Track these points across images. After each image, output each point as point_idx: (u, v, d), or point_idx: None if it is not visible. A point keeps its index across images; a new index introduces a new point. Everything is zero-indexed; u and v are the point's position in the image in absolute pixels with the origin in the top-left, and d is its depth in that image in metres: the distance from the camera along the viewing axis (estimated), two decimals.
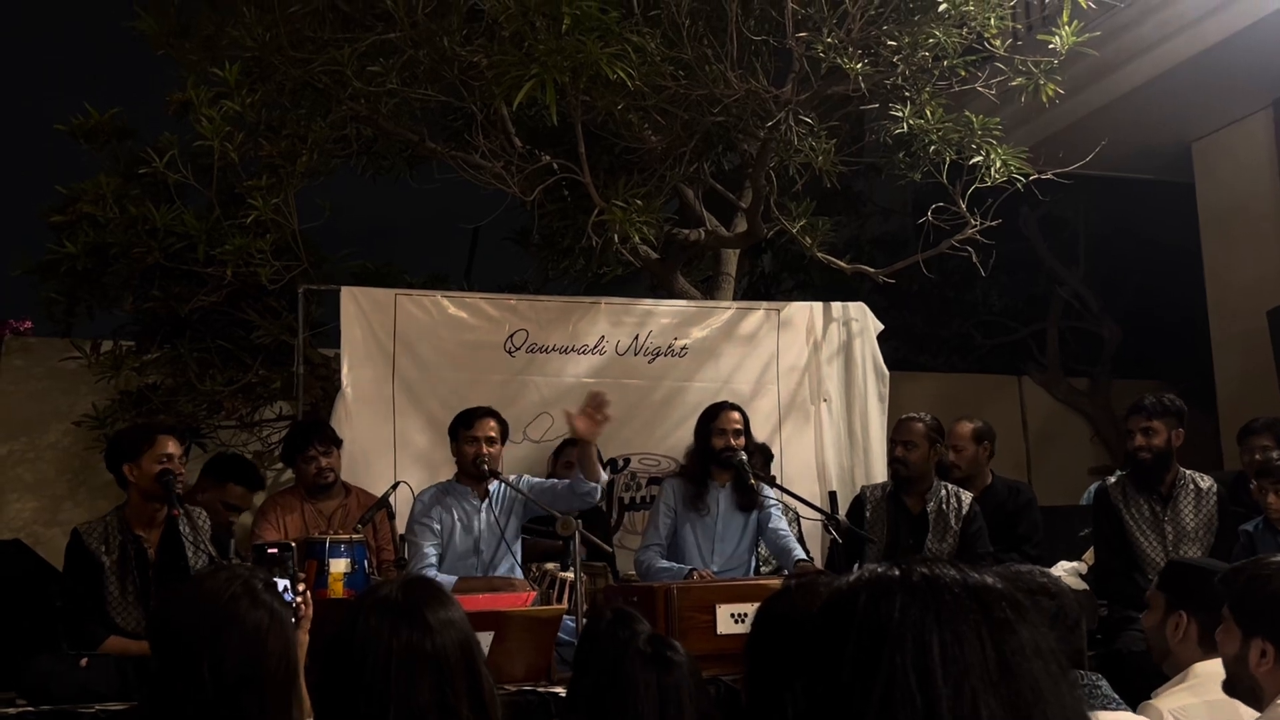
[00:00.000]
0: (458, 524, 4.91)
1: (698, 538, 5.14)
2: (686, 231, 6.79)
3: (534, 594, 4.46)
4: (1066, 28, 5.58)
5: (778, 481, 5.69)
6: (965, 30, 5.59)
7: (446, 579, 4.63)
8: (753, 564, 5.31)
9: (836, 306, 6.57)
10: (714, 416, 5.17)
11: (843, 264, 6.64)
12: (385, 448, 5.67)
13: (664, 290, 6.82)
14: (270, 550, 3.75)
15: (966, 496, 5.26)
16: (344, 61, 5.51)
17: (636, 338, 6.12)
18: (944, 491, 5.24)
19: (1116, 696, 2.64)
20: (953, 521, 5.15)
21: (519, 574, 4.85)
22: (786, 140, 5.78)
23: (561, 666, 4.03)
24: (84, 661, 3.99)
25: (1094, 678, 2.64)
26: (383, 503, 4.74)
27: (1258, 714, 2.52)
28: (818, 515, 5.21)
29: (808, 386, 6.40)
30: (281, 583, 2.48)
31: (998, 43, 5.67)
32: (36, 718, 3.72)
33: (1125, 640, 4.53)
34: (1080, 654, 2.65)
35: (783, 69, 5.72)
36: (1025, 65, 5.73)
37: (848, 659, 1.16)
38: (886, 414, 6.46)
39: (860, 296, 7.12)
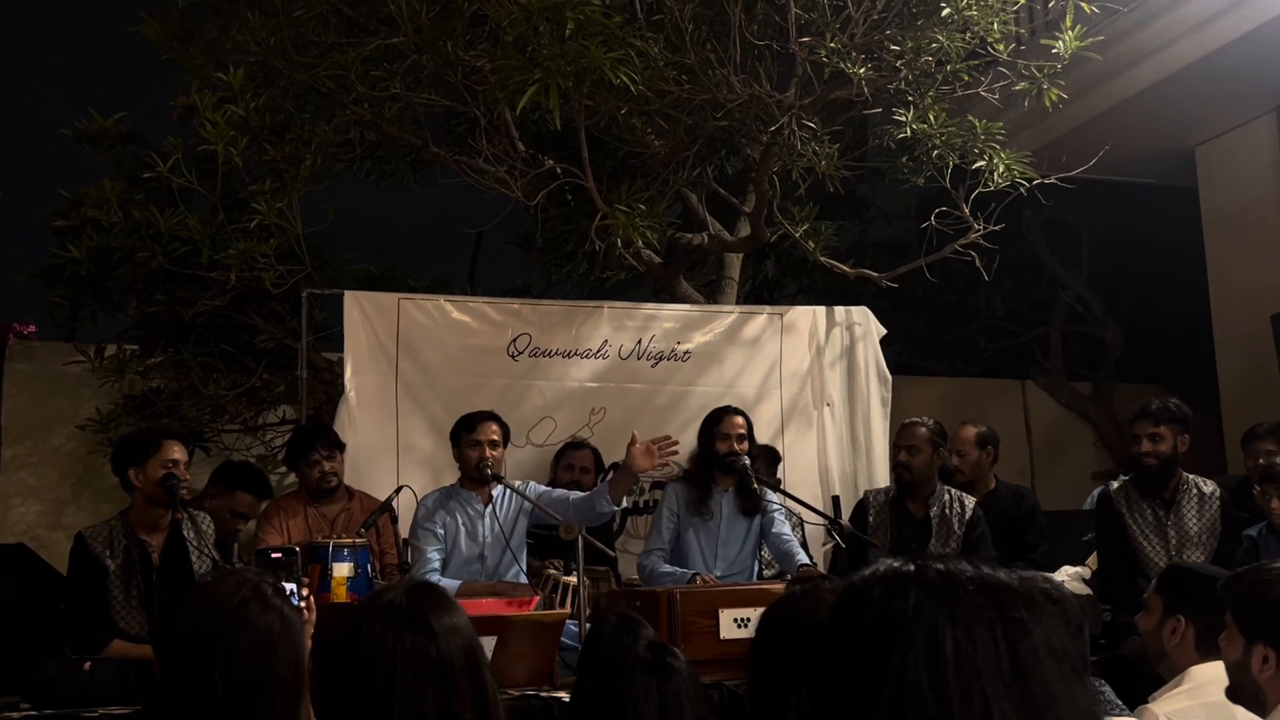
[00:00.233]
0: (461, 529, 4.91)
1: (701, 542, 5.13)
2: (689, 236, 6.79)
3: (537, 598, 4.46)
4: (1070, 32, 5.58)
5: (783, 485, 5.69)
6: (968, 35, 5.59)
7: (450, 584, 4.62)
8: (756, 569, 5.31)
9: (839, 311, 6.56)
10: (717, 421, 5.17)
11: (846, 268, 6.64)
12: (388, 452, 5.67)
13: (667, 294, 6.82)
14: (274, 555, 3.75)
15: (970, 501, 5.25)
16: (348, 66, 5.52)
17: (640, 342, 6.12)
18: (947, 496, 5.23)
19: (1119, 702, 2.65)
20: (956, 526, 5.15)
21: (523, 579, 4.85)
22: (789, 145, 5.78)
23: (564, 671, 4.03)
24: (87, 665, 3.99)
25: (1097, 683, 2.64)
26: (386, 507, 4.74)
27: (1257, 718, 2.52)
28: (821, 520, 5.20)
29: (810, 391, 6.39)
30: (287, 587, 2.49)
31: (1001, 47, 5.67)
32: None
33: (1128, 645, 4.52)
34: (1084, 659, 2.65)
35: (786, 74, 5.73)
36: (1028, 70, 5.73)
37: (859, 654, 1.15)
38: (889, 418, 6.45)
39: (863, 301, 7.12)
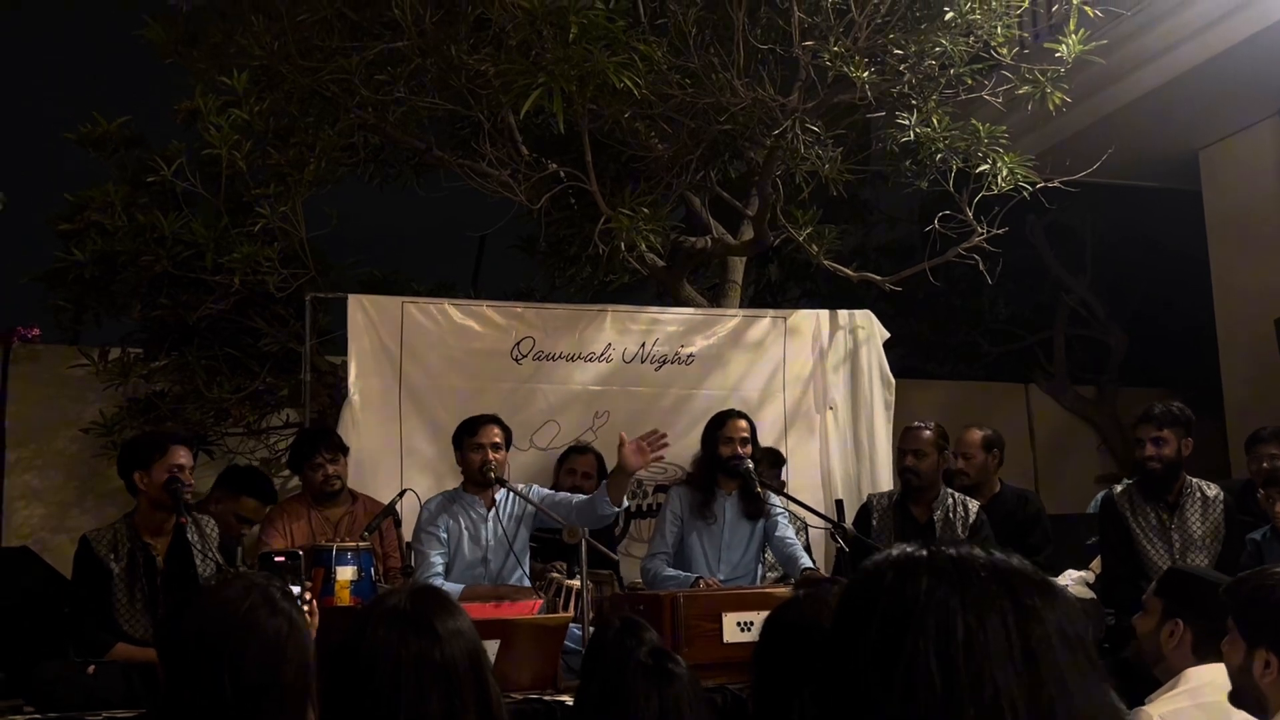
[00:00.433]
0: (465, 533, 4.91)
1: (704, 546, 5.14)
2: (693, 239, 6.80)
3: (540, 602, 4.46)
4: (1073, 36, 5.59)
5: (787, 488, 5.69)
6: (972, 39, 5.59)
7: (453, 587, 4.63)
8: (759, 572, 5.31)
9: (843, 314, 6.56)
10: (721, 424, 5.17)
11: (849, 272, 6.64)
12: (392, 455, 5.67)
13: (670, 298, 6.82)
14: (277, 558, 3.75)
15: (974, 505, 5.25)
16: (352, 70, 5.53)
17: (643, 345, 6.12)
18: (951, 500, 5.23)
19: (1123, 706, 2.64)
20: (959, 530, 5.15)
21: (526, 583, 4.85)
22: (793, 148, 5.78)
23: (568, 675, 4.02)
24: (91, 668, 4.00)
25: None
26: (389, 510, 4.74)
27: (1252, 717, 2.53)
28: (824, 524, 5.21)
29: (814, 394, 6.39)
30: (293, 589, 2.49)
31: (1004, 51, 5.67)
32: None
33: (1132, 649, 4.51)
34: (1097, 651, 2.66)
35: (789, 77, 5.73)
36: (1032, 73, 5.74)
37: (870, 640, 1.14)
38: (892, 422, 6.45)
39: (866, 304, 7.11)
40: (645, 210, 5.56)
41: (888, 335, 6.64)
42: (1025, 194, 5.83)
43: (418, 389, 5.78)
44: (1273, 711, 2.46)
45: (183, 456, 4.27)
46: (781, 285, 10.33)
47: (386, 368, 5.73)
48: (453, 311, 5.94)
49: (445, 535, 4.87)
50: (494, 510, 4.93)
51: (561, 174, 5.82)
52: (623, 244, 5.56)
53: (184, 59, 6.28)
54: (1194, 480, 5.02)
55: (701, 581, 4.79)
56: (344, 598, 4.13)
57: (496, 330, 5.95)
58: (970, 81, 5.78)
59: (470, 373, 5.88)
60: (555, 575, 4.87)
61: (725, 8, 5.41)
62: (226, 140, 5.52)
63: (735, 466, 5.05)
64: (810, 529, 5.76)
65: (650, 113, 5.67)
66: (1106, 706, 1.14)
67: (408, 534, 4.92)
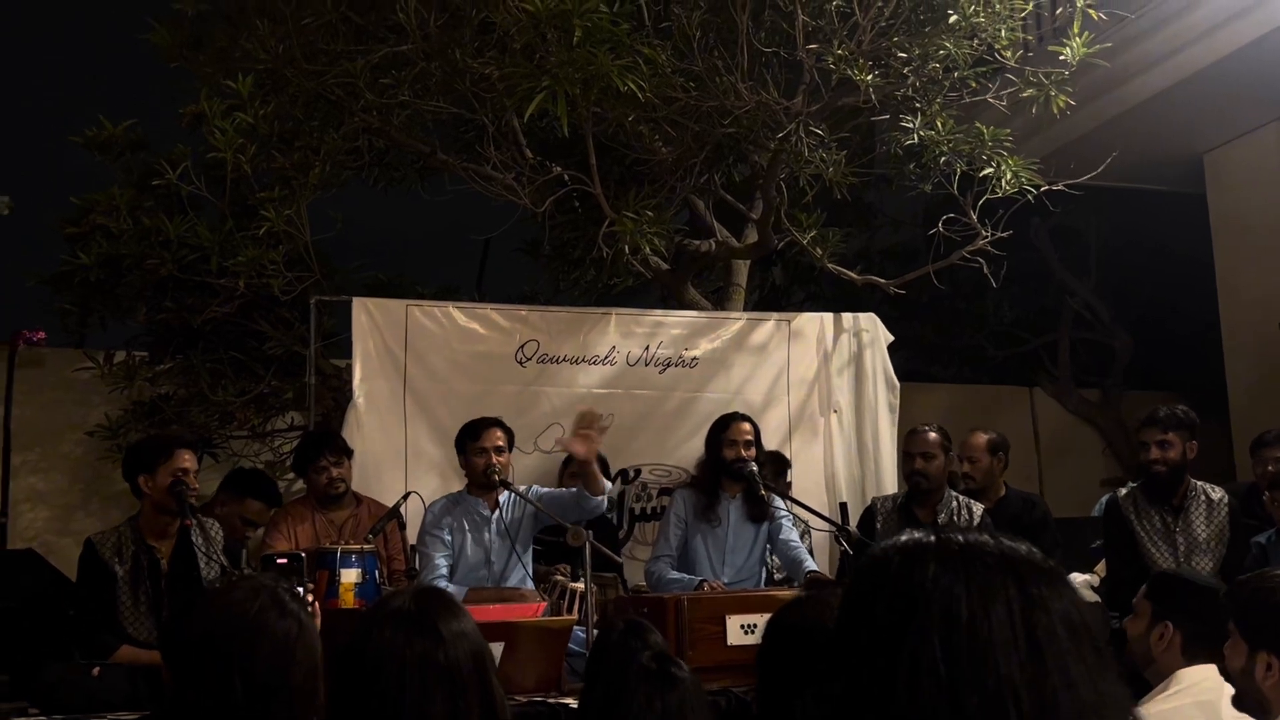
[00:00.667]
0: (469, 535, 4.91)
1: (708, 549, 5.13)
2: (697, 243, 6.80)
3: (544, 605, 4.46)
4: (1077, 39, 5.58)
5: (792, 492, 5.68)
6: (976, 42, 5.59)
7: (457, 590, 4.63)
8: (763, 575, 5.31)
9: (847, 317, 6.56)
10: (724, 427, 5.17)
11: (853, 275, 6.64)
12: (396, 458, 5.68)
13: (674, 301, 6.83)
14: (280, 560, 3.76)
15: (978, 508, 5.25)
16: (356, 74, 5.53)
17: (647, 348, 6.13)
18: (955, 503, 5.23)
19: (1131, 698, 2.66)
20: None
21: (530, 585, 4.85)
22: (797, 151, 5.78)
23: (572, 678, 4.03)
24: (96, 671, 3.99)
25: None
26: (394, 513, 4.75)
27: (1246, 715, 2.53)
28: (828, 527, 5.20)
29: (818, 397, 6.39)
30: None
31: (1008, 54, 5.67)
32: None
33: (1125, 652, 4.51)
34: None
35: (793, 81, 5.73)
36: (1036, 77, 5.73)
37: (876, 623, 1.14)
38: (897, 425, 6.45)
39: (871, 307, 7.12)
40: (649, 213, 5.56)
41: (892, 338, 6.64)
42: (1029, 197, 5.83)
43: (422, 392, 5.78)
44: (1275, 714, 2.46)
45: (187, 460, 4.27)
46: (785, 288, 10.34)
47: (391, 371, 5.74)
48: (457, 315, 5.95)
49: (449, 538, 4.88)
50: (497, 512, 4.94)
51: (566, 177, 5.83)
52: (627, 247, 5.56)
53: (189, 63, 6.30)
54: (1198, 483, 5.01)
55: (705, 584, 4.79)
56: (348, 600, 4.13)
57: (500, 333, 5.96)
58: (974, 85, 5.78)
59: (474, 376, 5.88)
60: (559, 578, 4.88)
61: (729, 11, 5.42)
62: (231, 144, 5.53)
63: (739, 469, 5.05)
64: (814, 532, 5.76)
65: (654, 116, 5.67)
66: (1112, 697, 1.12)
67: (412, 537, 4.93)
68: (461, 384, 5.85)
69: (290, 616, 2.02)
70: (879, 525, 5.30)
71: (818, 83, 5.56)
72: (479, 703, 1.96)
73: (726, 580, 5.01)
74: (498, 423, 4.97)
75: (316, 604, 3.07)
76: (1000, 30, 5.54)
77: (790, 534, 5.20)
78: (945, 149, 5.70)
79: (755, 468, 5.06)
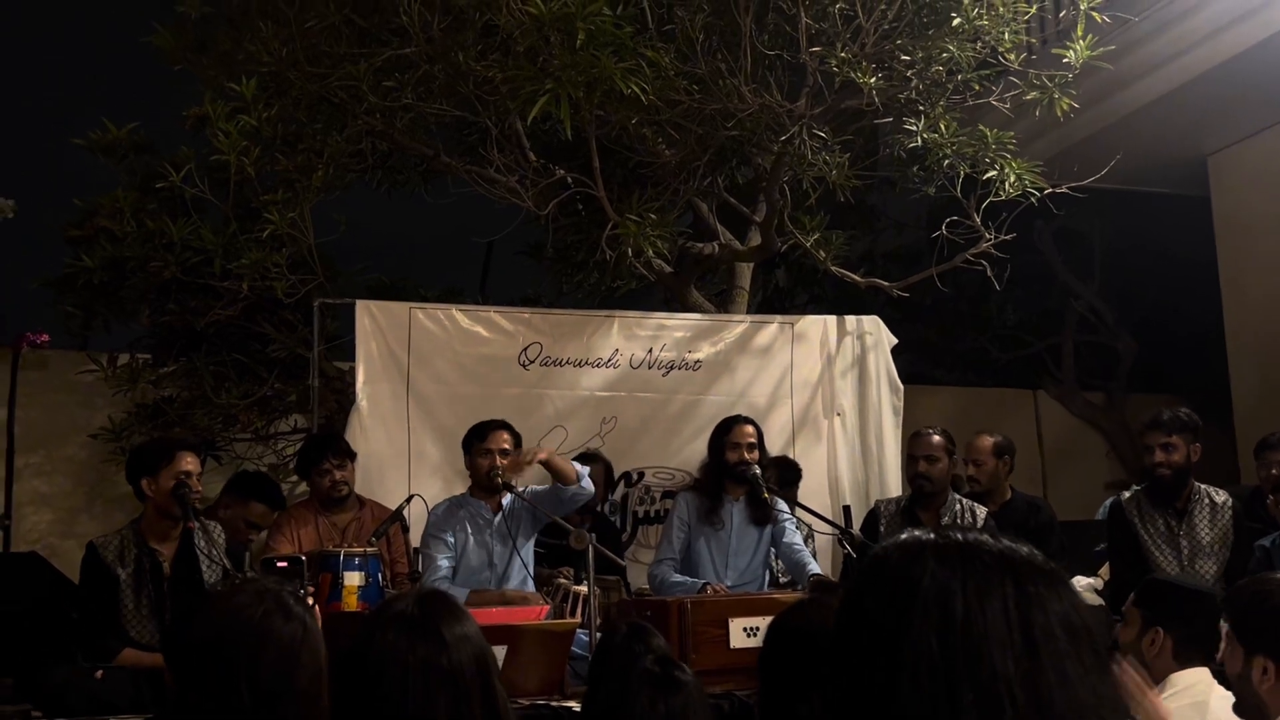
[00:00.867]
0: (471, 538, 4.91)
1: (711, 552, 5.13)
2: (700, 245, 6.80)
3: (547, 607, 4.46)
4: (1081, 42, 5.58)
5: (798, 496, 5.68)
6: (979, 44, 5.59)
7: (460, 592, 4.62)
8: (766, 578, 5.30)
9: (850, 320, 6.56)
10: (727, 430, 5.17)
11: (857, 278, 6.64)
12: (400, 461, 5.68)
13: (678, 304, 6.82)
14: (280, 563, 3.76)
15: (981, 511, 5.24)
16: (360, 77, 5.54)
17: (650, 351, 6.13)
18: (958, 506, 5.22)
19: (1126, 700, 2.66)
20: None
21: (531, 587, 4.85)
22: (800, 154, 5.78)
23: (575, 681, 4.02)
24: (99, 673, 4.00)
25: None
26: (397, 516, 4.75)
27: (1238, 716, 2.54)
28: (831, 530, 5.20)
29: (821, 400, 6.39)
30: None
31: (1012, 57, 5.67)
32: None
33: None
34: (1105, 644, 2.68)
35: (796, 83, 5.73)
36: (1040, 79, 5.73)
37: (875, 618, 1.15)
38: (900, 428, 6.45)
39: (874, 310, 7.11)
40: (652, 216, 5.56)
41: (895, 341, 6.64)
42: (1033, 200, 5.82)
43: (425, 395, 5.79)
44: (1273, 718, 2.45)
45: (190, 463, 4.28)
46: (789, 291, 10.34)
47: (394, 373, 5.74)
48: (460, 317, 5.95)
49: (452, 540, 4.87)
50: (500, 515, 4.94)
51: (569, 180, 5.83)
52: (630, 250, 5.56)
53: (193, 65, 6.30)
54: (1202, 486, 5.00)
55: (709, 587, 4.79)
56: (351, 603, 4.14)
57: (504, 336, 5.96)
58: (978, 87, 5.77)
59: (478, 378, 5.88)
60: (562, 581, 4.88)
61: (732, 14, 5.42)
62: (235, 146, 5.53)
63: (742, 472, 5.04)
64: (817, 535, 5.76)
65: (657, 119, 5.67)
66: (1108, 699, 1.12)
67: (415, 539, 4.93)
68: (464, 387, 5.85)
69: (295, 620, 2.02)
70: (882, 528, 5.29)
71: (821, 85, 5.55)
72: (482, 706, 1.96)
73: (729, 583, 5.00)
74: (505, 425, 4.97)
75: (316, 608, 3.06)
76: (1003, 33, 5.53)
77: (794, 537, 5.19)
78: (948, 152, 5.70)
79: (758, 470, 5.06)
